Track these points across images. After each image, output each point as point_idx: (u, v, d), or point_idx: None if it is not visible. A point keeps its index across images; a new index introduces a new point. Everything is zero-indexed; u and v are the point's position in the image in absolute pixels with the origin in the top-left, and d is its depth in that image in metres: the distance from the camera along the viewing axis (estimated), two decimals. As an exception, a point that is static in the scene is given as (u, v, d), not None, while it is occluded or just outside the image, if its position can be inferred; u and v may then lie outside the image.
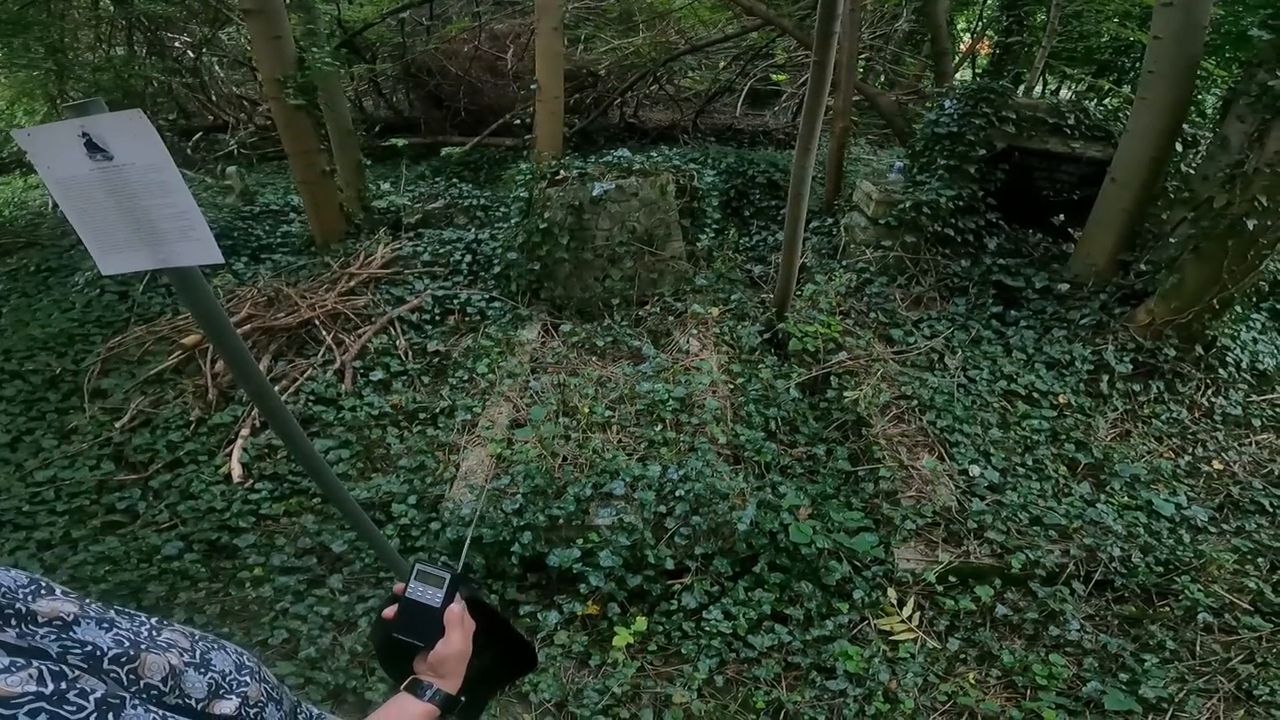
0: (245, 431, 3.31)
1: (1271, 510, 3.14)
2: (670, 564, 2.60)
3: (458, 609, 0.95)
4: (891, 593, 2.61)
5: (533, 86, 5.41)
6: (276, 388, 3.55)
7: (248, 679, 0.84)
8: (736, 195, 5.92)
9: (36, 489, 3.08)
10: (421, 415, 3.53)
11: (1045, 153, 4.44)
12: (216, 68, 8.88)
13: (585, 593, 2.54)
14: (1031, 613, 2.57)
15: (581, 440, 3.08)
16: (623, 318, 4.17)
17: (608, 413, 3.25)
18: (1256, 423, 3.64)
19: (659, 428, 3.14)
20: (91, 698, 0.60)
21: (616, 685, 2.28)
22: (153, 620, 0.81)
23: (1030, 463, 3.15)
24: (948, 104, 4.58)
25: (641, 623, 2.48)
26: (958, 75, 7.46)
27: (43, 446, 3.35)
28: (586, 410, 3.23)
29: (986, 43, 8.38)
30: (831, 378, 3.59)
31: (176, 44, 8.42)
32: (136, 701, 0.65)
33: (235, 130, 8.03)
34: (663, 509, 2.71)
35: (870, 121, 8.08)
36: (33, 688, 0.58)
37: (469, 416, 3.40)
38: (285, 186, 6.18)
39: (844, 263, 4.64)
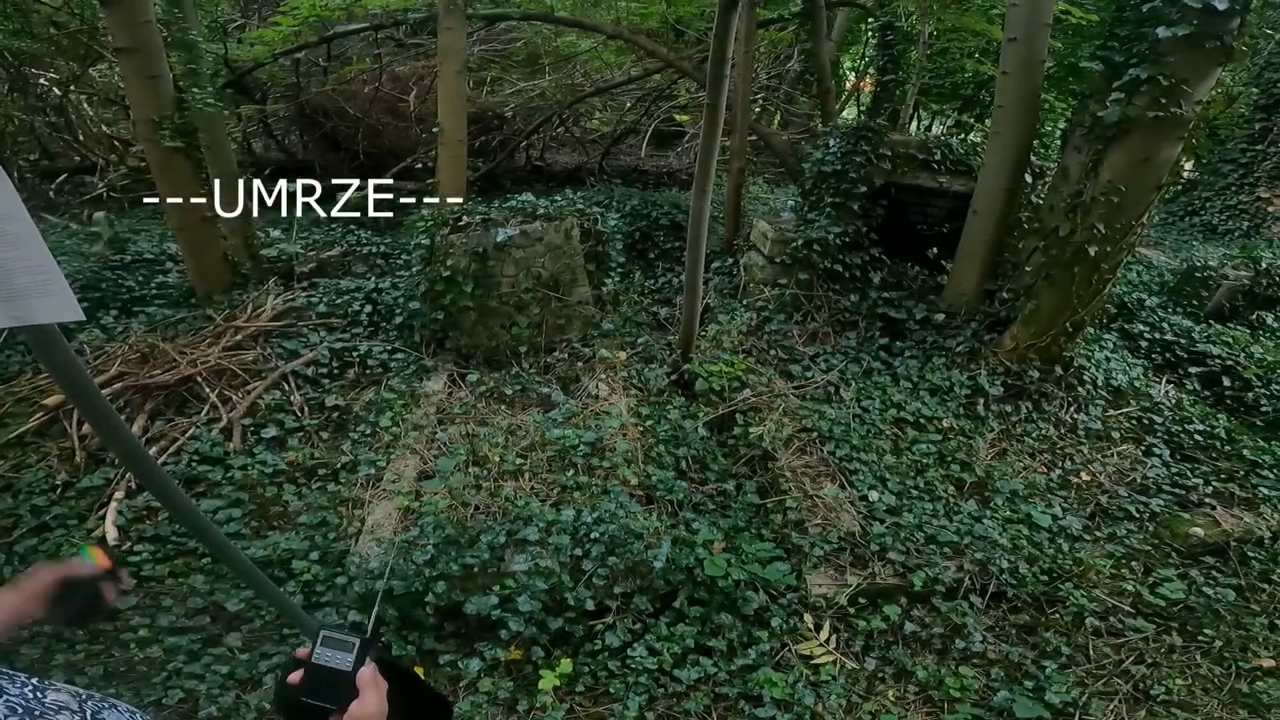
0: (119, 494, 3.08)
1: (1138, 516, 3.45)
2: (591, 605, 2.61)
3: (369, 671, 0.96)
4: (808, 618, 2.71)
5: (435, 129, 5.37)
6: (154, 448, 3.31)
7: None
8: (641, 237, 6.08)
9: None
10: (321, 471, 3.38)
11: (918, 188, 4.77)
12: (85, 106, 8.29)
13: (506, 638, 2.51)
14: (937, 627, 2.73)
15: (493, 489, 3.04)
16: (531, 365, 4.18)
17: (519, 460, 3.23)
18: (1116, 435, 4.03)
19: (571, 473, 3.15)
20: None
21: None
22: (33, 681, 0.80)
23: (922, 485, 3.38)
24: (832, 143, 4.87)
25: (567, 665, 2.47)
26: (846, 114, 7.97)
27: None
28: (497, 459, 3.20)
29: (869, 81, 9.05)
30: (737, 415, 3.73)
31: (42, 80, 7.82)
32: None
33: (105, 172, 7.49)
34: (579, 551, 2.72)
35: (767, 161, 8.48)
36: None
37: (373, 470, 3.30)
38: (161, 233, 5.81)
39: (744, 302, 4.84)
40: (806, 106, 8.84)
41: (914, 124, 9.00)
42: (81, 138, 7.92)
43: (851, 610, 2.75)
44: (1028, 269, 4.09)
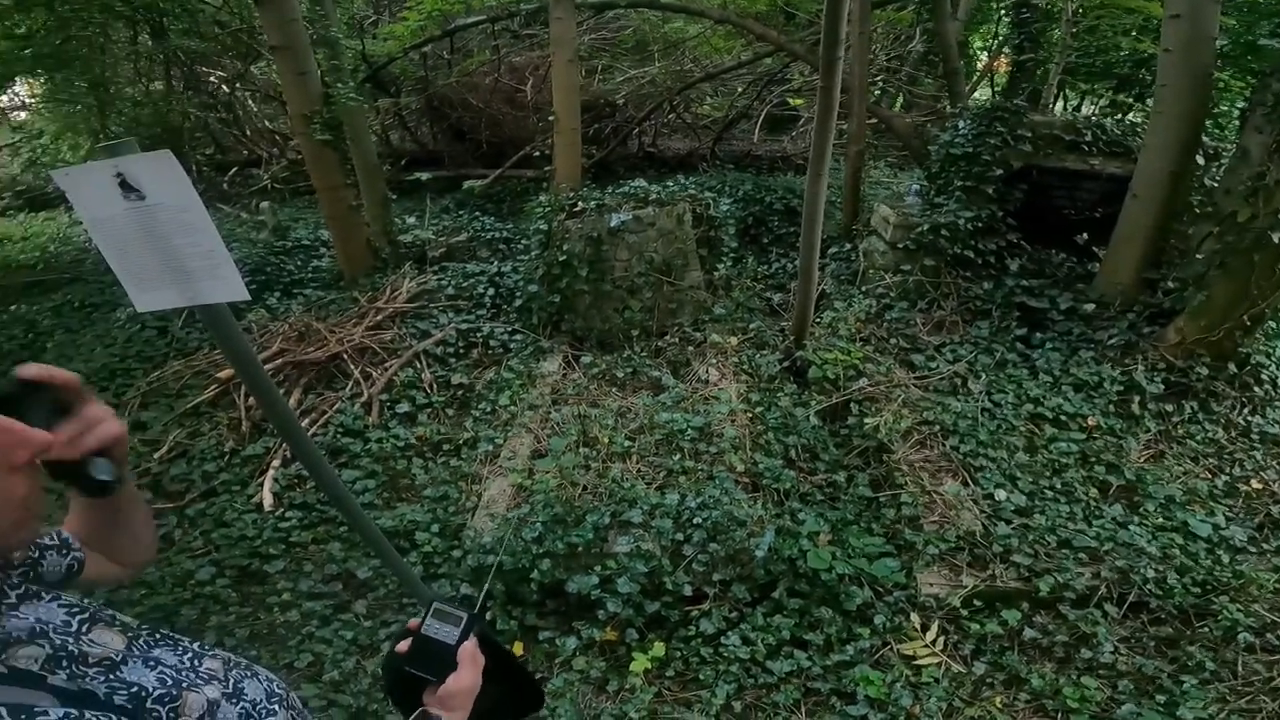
0: (276, 462, 3.47)
1: None
2: (688, 590, 2.68)
3: (470, 646, 1.00)
4: (914, 617, 2.64)
5: (550, 118, 5.59)
6: (306, 421, 3.72)
7: (277, 707, 0.88)
8: (754, 223, 6.02)
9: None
10: (446, 446, 3.66)
11: (1064, 170, 4.47)
12: (250, 103, 9.25)
13: (603, 619, 2.62)
14: (1061, 635, 2.58)
15: (601, 470, 3.17)
16: (642, 348, 4.28)
17: (627, 442, 3.34)
18: None
19: (678, 457, 3.22)
20: None
21: (634, 710, 2.34)
22: (194, 648, 0.86)
23: (1059, 486, 3.17)
24: (961, 124, 4.65)
25: (659, 648, 2.55)
26: (977, 94, 7.51)
27: (83, 478, 3.55)
28: (606, 440, 3.32)
29: (1003, 61, 8.42)
30: (852, 404, 3.64)
31: (211, 79, 8.81)
32: None
33: (268, 165, 8.35)
34: (680, 536, 2.78)
35: (888, 144, 8.13)
36: None
37: (491, 447, 3.53)
38: (315, 221, 6.46)
39: (863, 288, 4.69)
40: (932, 88, 8.38)
41: (1058, 104, 8.25)
42: (248, 132, 8.89)
43: (964, 612, 2.64)
44: (1199, 256, 3.72)
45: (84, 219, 1.48)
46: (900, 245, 4.52)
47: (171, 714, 0.75)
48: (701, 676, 2.47)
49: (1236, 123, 4.62)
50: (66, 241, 8.10)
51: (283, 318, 4.63)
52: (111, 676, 0.73)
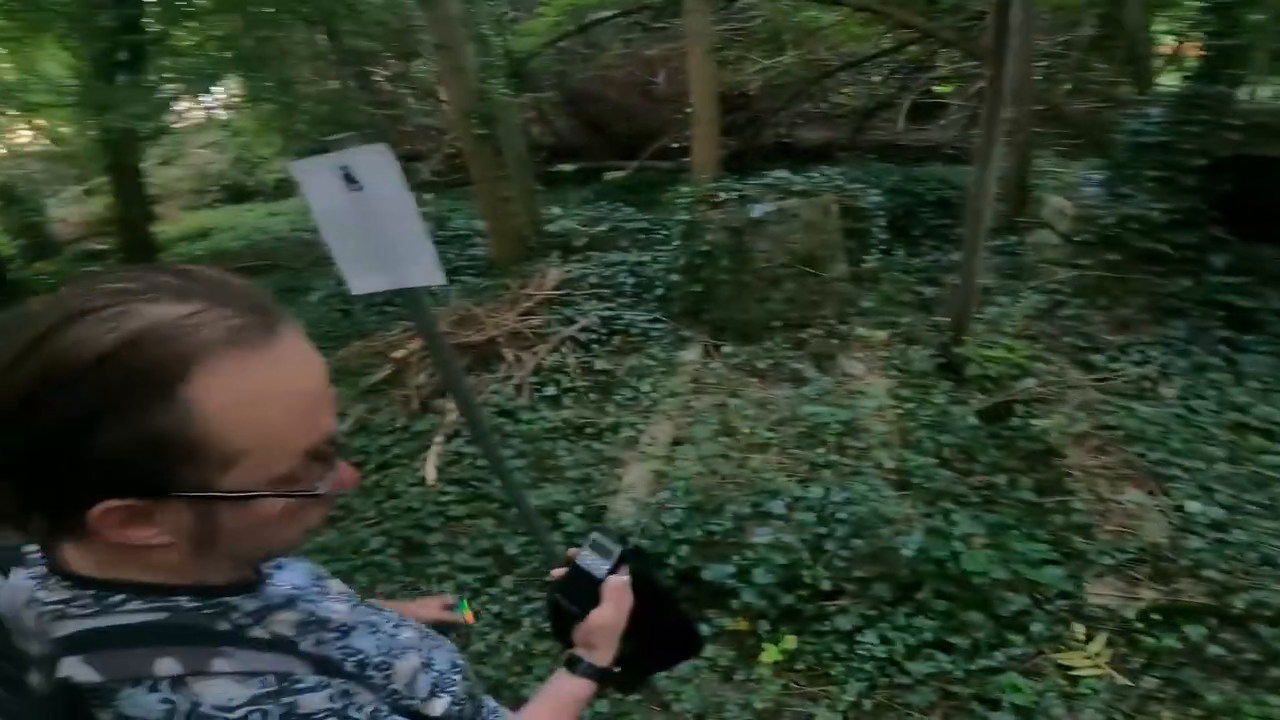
0: (439, 439, 3.81)
1: None
2: (826, 585, 2.64)
3: (617, 581, 0.95)
4: (1077, 627, 2.47)
5: (687, 110, 5.66)
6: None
7: (458, 677, 0.88)
8: (904, 214, 5.79)
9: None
10: (588, 430, 3.84)
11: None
12: (411, 99, 10.07)
13: (737, 608, 2.65)
14: (1251, 654, 2.33)
15: (741, 460, 3.21)
16: (784, 340, 4.26)
17: (768, 434, 3.35)
18: None
19: (821, 450, 3.19)
20: (364, 711, 0.67)
21: (759, 701, 2.36)
22: (394, 617, 0.88)
23: (1265, 501, 2.82)
24: (1153, 112, 4.27)
25: (791, 641, 2.54)
26: (1164, 80, 6.72)
27: (289, 448, 4.10)
28: (747, 431, 3.36)
29: (1192, 45, 7.45)
30: (1017, 405, 3.42)
31: (376, 77, 9.67)
32: (388, 710, 0.71)
33: (427, 159, 9.06)
34: (822, 530, 2.76)
35: (1056, 133, 7.52)
36: (328, 705, 0.64)
37: (632, 433, 3.66)
38: (470, 212, 6.93)
39: (1031, 283, 4.40)
40: (1108, 74, 7.60)
41: (1263, 90, 7.18)
42: (409, 128, 9.69)
43: (1139, 625, 2.44)
44: None
45: (313, 208, 1.71)
46: (1077, 238, 4.23)
47: (385, 679, 0.77)
48: (833, 672, 2.44)
49: None
50: (265, 230, 9.26)
51: (444, 303, 5.06)
52: (344, 643, 0.77)
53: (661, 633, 1.04)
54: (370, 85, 9.52)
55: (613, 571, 0.95)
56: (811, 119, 9.18)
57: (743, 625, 2.64)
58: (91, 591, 0.62)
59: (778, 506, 2.86)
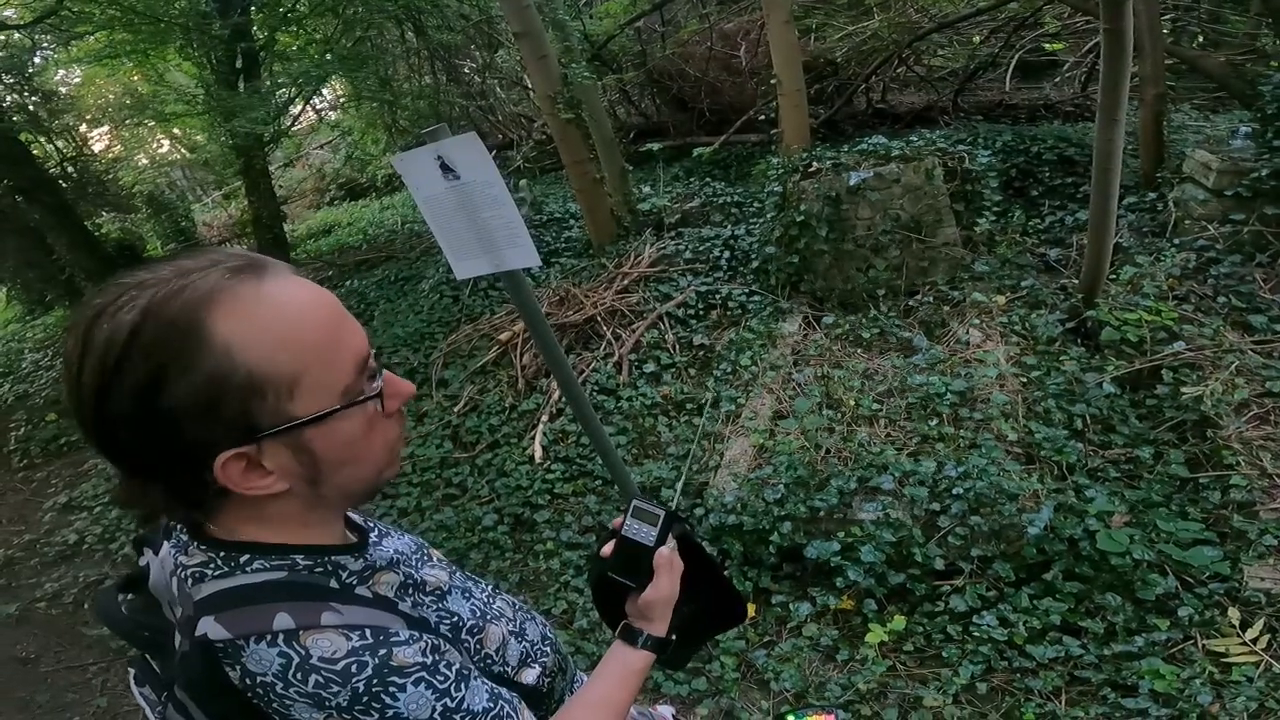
0: (545, 417, 3.94)
1: None
2: (940, 564, 2.53)
3: (667, 551, 0.93)
4: (1233, 612, 2.25)
5: (772, 81, 5.50)
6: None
7: (548, 649, 0.93)
8: (1019, 174, 5.44)
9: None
10: (688, 405, 3.84)
11: None
12: (498, 89, 10.33)
13: (841, 586, 2.58)
14: None
15: (846, 433, 3.11)
16: (889, 308, 4.07)
17: (875, 406, 3.23)
18: None
19: (934, 422, 3.04)
20: (453, 669, 0.70)
21: (862, 682, 2.30)
22: (489, 588, 0.93)
23: None
24: None
25: (899, 621, 2.46)
26: None
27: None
28: (852, 403, 3.25)
29: None
30: (1163, 371, 3.11)
31: (464, 69, 9.96)
32: (477, 673, 0.75)
33: (519, 146, 9.30)
34: (936, 506, 2.64)
35: (1193, 85, 6.77)
36: (421, 659, 0.68)
37: (732, 407, 3.63)
38: (563, 195, 7.08)
39: (1175, 241, 3.99)
40: (1245, 25, 6.74)
41: None
42: (500, 118, 9.96)
43: None
44: None
45: (416, 199, 1.81)
46: (1229, 193, 3.82)
47: (478, 645, 0.82)
48: (945, 654, 2.34)
49: None
50: (380, 225, 9.82)
51: (544, 285, 5.19)
52: (440, 606, 0.82)
53: (710, 600, 1.03)
54: (460, 78, 9.83)
55: (660, 539, 0.93)
56: (908, 83, 8.72)
57: (847, 604, 2.58)
58: (223, 554, 0.69)
59: (887, 481, 2.75)
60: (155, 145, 13.98)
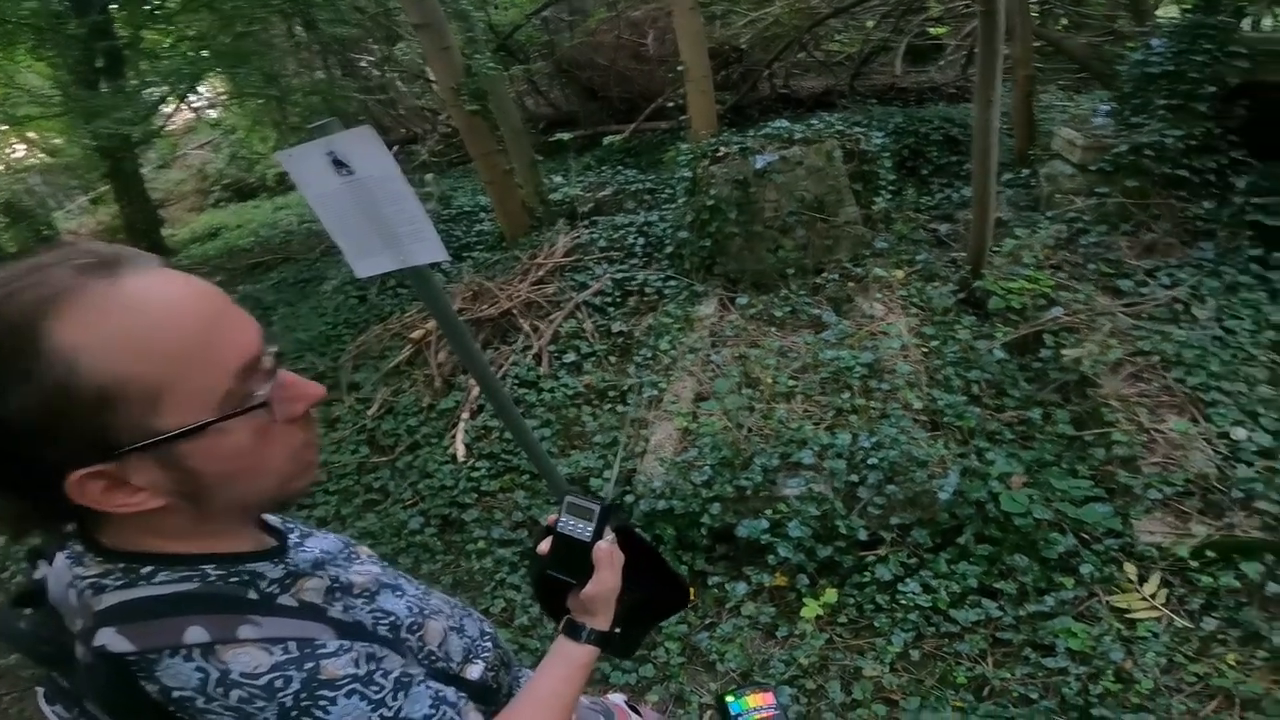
0: (466, 414, 3.74)
1: None
2: (863, 535, 2.54)
3: (606, 545, 0.90)
4: (1129, 568, 2.34)
5: (679, 68, 5.45)
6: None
7: (489, 644, 0.90)
8: (911, 154, 5.64)
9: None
10: (611, 393, 3.74)
11: None
12: (399, 83, 9.83)
13: (774, 564, 2.56)
14: None
15: (766, 411, 3.09)
16: (799, 286, 4.10)
17: (791, 382, 3.22)
18: None
19: (846, 395, 3.06)
20: (390, 677, 0.66)
21: (803, 656, 2.29)
22: (422, 586, 0.88)
23: None
24: (1155, 42, 4.14)
25: (831, 594, 2.46)
26: (1162, 11, 6.42)
27: (315, 435, 4.05)
28: (770, 381, 3.23)
29: None
30: (1045, 336, 3.25)
31: (361, 64, 9.44)
32: (420, 674, 0.71)
33: (424, 140, 8.90)
34: (854, 478, 2.65)
35: (1058, 67, 7.23)
36: (352, 670, 0.63)
37: (655, 392, 3.55)
38: (473, 188, 6.80)
39: (1048, 214, 4.22)
40: (1105, 7, 7.27)
41: (1267, 20, 6.80)
42: (401, 111, 9.48)
43: (1194, 564, 2.30)
44: None
45: (307, 197, 1.61)
46: (1093, 168, 4.04)
47: (419, 642, 0.77)
48: (876, 624, 2.36)
49: None
50: (274, 225, 9.14)
51: (457, 280, 4.94)
52: (373, 606, 0.76)
53: (653, 587, 1.02)
54: (357, 72, 9.29)
55: (597, 534, 0.90)
56: (809, 68, 8.91)
57: (781, 581, 2.56)
58: (122, 565, 0.63)
59: (807, 456, 2.75)
60: (8, 150, 12.43)
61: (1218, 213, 3.71)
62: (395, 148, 9.34)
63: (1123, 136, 3.99)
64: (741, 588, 2.56)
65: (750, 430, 3.02)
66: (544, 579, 0.92)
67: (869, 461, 2.65)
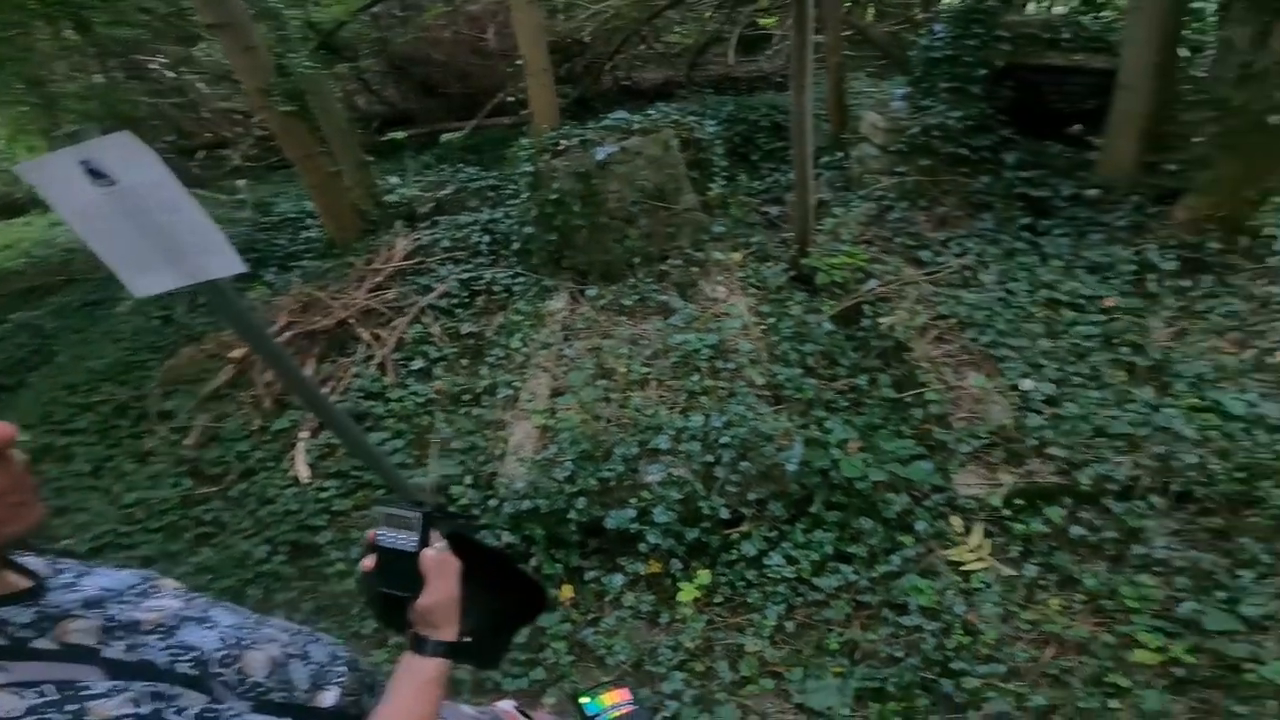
0: (304, 434, 3.41)
1: None
2: (725, 513, 2.60)
3: (434, 553, 0.86)
4: (955, 521, 2.52)
5: (519, 62, 5.31)
6: (325, 389, 3.61)
7: (343, 669, 0.85)
8: (742, 141, 5.85)
9: (127, 510, 3.25)
10: (465, 397, 3.56)
11: (1049, 67, 4.36)
12: (201, 85, 8.86)
13: (645, 552, 2.55)
14: (1110, 531, 2.45)
15: (622, 400, 3.08)
16: (646, 274, 4.14)
17: (644, 369, 3.24)
18: None
19: (696, 377, 3.12)
20: (187, 714, 0.62)
21: (688, 640, 2.31)
22: (254, 617, 0.83)
23: (1086, 371, 3.01)
24: (937, 28, 4.53)
25: (705, 576, 2.49)
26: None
27: (124, 471, 3.52)
28: (624, 370, 3.23)
29: None
30: (864, 306, 3.51)
31: (152, 66, 8.37)
32: (240, 708, 0.67)
33: (235, 144, 8.06)
34: (710, 458, 2.70)
35: (867, 55, 7.84)
36: (130, 710, 0.59)
37: (510, 392, 3.43)
38: (297, 193, 6.21)
39: (860, 193, 4.56)
40: None
41: (1030, 5, 7.85)
42: (206, 115, 8.51)
43: (1007, 512, 2.52)
44: (1198, 140, 3.63)
45: (62, 212, 1.33)
46: (893, 149, 4.42)
47: (237, 675, 0.72)
48: (750, 600, 2.41)
49: (1213, 18, 4.57)
50: (50, 244, 7.83)
51: (283, 291, 4.48)
52: (170, 641, 0.71)
53: (503, 593, 0.97)
54: (147, 75, 8.17)
55: (422, 542, 0.86)
56: (649, 60, 9.01)
57: (655, 568, 2.55)
58: None
59: (663, 441, 2.76)
60: None
61: (994, 186, 4.18)
62: (202, 153, 8.37)
63: (915, 119, 4.37)
64: (618, 579, 2.53)
65: (609, 421, 2.99)
66: (378, 597, 0.86)
67: (722, 440, 2.71)
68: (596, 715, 1.08)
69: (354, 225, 5.02)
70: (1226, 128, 3.38)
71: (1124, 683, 2.06)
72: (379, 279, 4.30)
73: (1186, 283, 3.48)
